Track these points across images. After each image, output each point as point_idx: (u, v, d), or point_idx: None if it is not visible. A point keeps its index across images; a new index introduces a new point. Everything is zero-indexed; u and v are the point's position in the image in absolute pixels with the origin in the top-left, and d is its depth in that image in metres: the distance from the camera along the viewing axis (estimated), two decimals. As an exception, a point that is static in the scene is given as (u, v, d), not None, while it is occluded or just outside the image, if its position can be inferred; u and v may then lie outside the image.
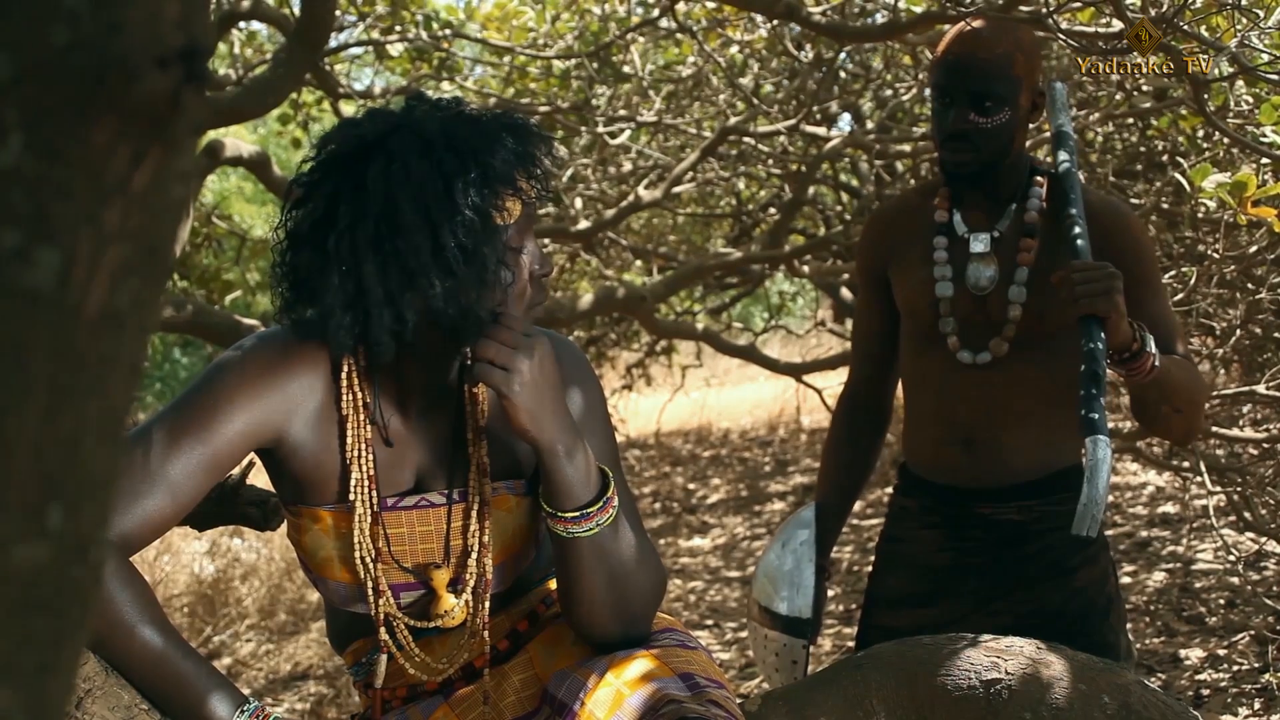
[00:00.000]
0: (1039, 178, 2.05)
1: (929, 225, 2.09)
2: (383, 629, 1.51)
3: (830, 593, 4.47)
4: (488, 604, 1.54)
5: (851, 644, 4.08)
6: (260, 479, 2.03)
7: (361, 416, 1.47)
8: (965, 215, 2.07)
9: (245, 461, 1.81)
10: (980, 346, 2.03)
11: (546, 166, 1.42)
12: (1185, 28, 2.16)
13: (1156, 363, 1.85)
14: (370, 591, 1.49)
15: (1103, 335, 1.79)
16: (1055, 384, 2.04)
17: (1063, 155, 2.04)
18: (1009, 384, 2.02)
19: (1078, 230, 1.92)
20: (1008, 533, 2.06)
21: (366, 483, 1.47)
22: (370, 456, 1.47)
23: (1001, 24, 1.99)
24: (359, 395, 1.47)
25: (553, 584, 1.64)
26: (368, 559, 1.48)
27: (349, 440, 1.47)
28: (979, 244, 2.03)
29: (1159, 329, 1.92)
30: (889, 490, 6.36)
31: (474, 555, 1.51)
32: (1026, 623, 1.97)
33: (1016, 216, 2.04)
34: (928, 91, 4.74)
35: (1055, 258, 1.99)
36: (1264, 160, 2.50)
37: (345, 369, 1.47)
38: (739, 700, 1.49)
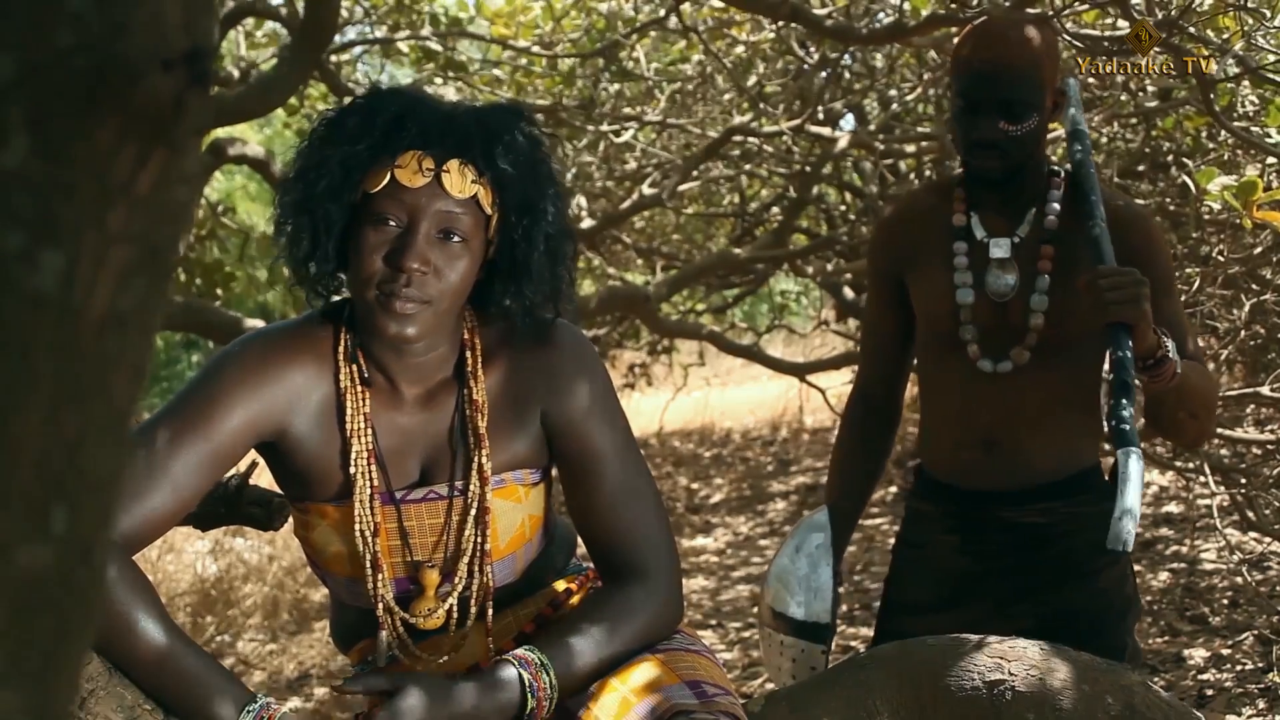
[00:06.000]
0: (1055, 178, 2.03)
1: (946, 229, 2.06)
2: (386, 619, 1.51)
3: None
4: (490, 608, 1.53)
5: (855, 645, 4.08)
6: (264, 479, 2.03)
7: (362, 411, 1.47)
8: (983, 219, 2.04)
9: (248, 462, 1.81)
10: (1001, 355, 2.00)
11: (424, 125, 1.42)
12: (1191, 30, 2.15)
13: (1178, 369, 1.83)
14: (371, 587, 1.49)
15: (1130, 343, 1.77)
16: (1076, 388, 2.02)
17: (1079, 154, 2.01)
18: (1030, 389, 2.00)
19: (1102, 236, 1.89)
20: (1030, 535, 2.04)
21: (368, 478, 1.47)
22: (369, 450, 1.47)
23: (1023, 26, 1.95)
24: (358, 388, 1.48)
25: (560, 585, 1.64)
26: (367, 555, 1.48)
27: (349, 434, 1.47)
28: (1000, 250, 2.00)
29: (1174, 332, 1.90)
30: (891, 489, 6.36)
31: (465, 559, 1.50)
32: (1047, 624, 1.95)
33: (1036, 221, 2.01)
34: (932, 92, 4.73)
35: (1076, 263, 1.96)
36: (1269, 160, 2.49)
37: (345, 369, 1.48)
38: (741, 701, 1.49)
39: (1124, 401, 1.75)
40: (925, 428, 2.16)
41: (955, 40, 2.81)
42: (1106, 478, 2.05)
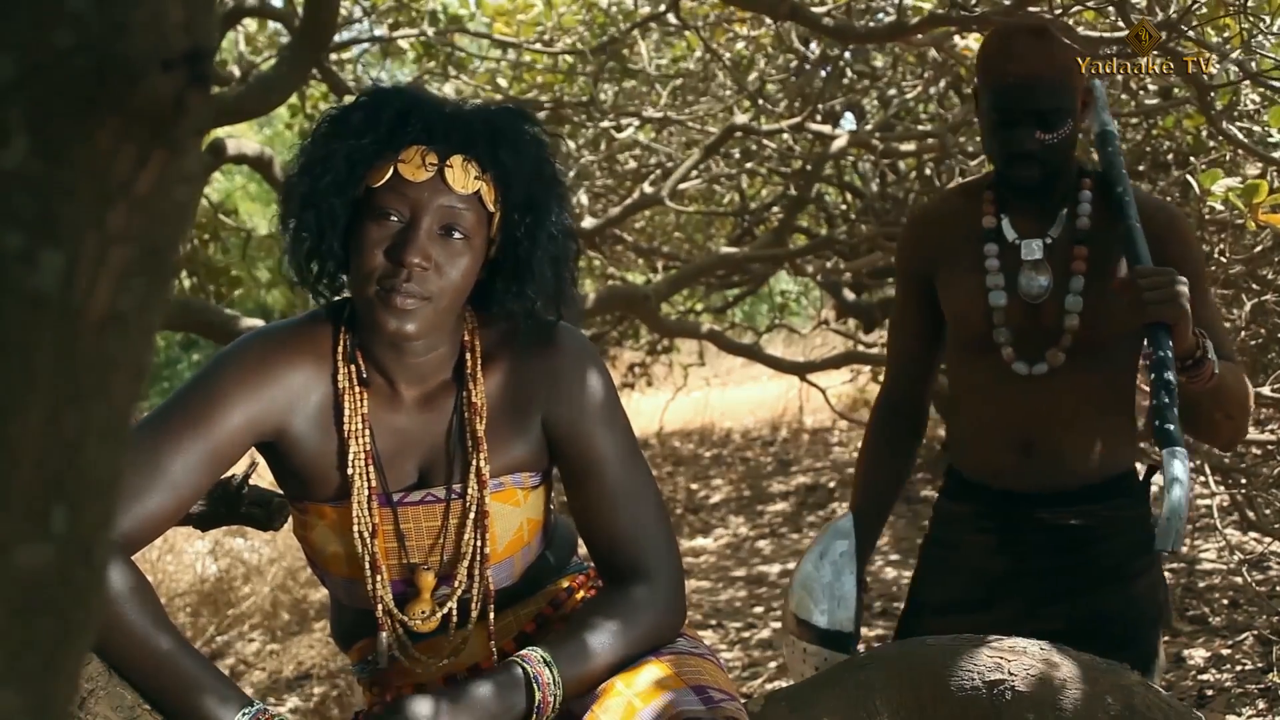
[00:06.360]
0: (1085, 179, 2.02)
1: (975, 230, 2.04)
2: (385, 620, 1.51)
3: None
4: (492, 610, 1.53)
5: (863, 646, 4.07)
6: (265, 480, 2.04)
7: (360, 412, 1.47)
8: (1014, 220, 2.02)
9: (248, 462, 1.82)
10: (1036, 357, 1.98)
11: (428, 121, 1.42)
12: (1190, 33, 2.15)
13: (1216, 369, 1.82)
14: (370, 588, 1.49)
15: (1170, 343, 1.76)
16: (1112, 389, 2.01)
17: (1110, 154, 2.00)
18: (1065, 391, 1.98)
19: (1136, 234, 1.88)
20: (1068, 537, 2.02)
21: (366, 480, 1.47)
22: (367, 451, 1.47)
23: (1047, 33, 1.94)
24: (356, 389, 1.48)
25: (564, 583, 1.64)
26: (366, 556, 1.48)
27: (346, 434, 1.47)
28: (1033, 251, 1.98)
29: (1209, 330, 1.88)
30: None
31: (464, 562, 1.50)
32: (1080, 628, 1.94)
33: (1068, 222, 2.00)
34: (933, 91, 4.71)
35: (1109, 263, 1.95)
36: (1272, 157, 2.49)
37: (343, 369, 1.48)
38: (742, 701, 1.49)
39: (1167, 401, 1.74)
40: (958, 430, 2.14)
41: (953, 37, 2.79)
42: (1141, 479, 2.05)
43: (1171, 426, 1.74)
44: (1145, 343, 1.83)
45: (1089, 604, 2.01)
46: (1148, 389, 1.82)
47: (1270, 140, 2.40)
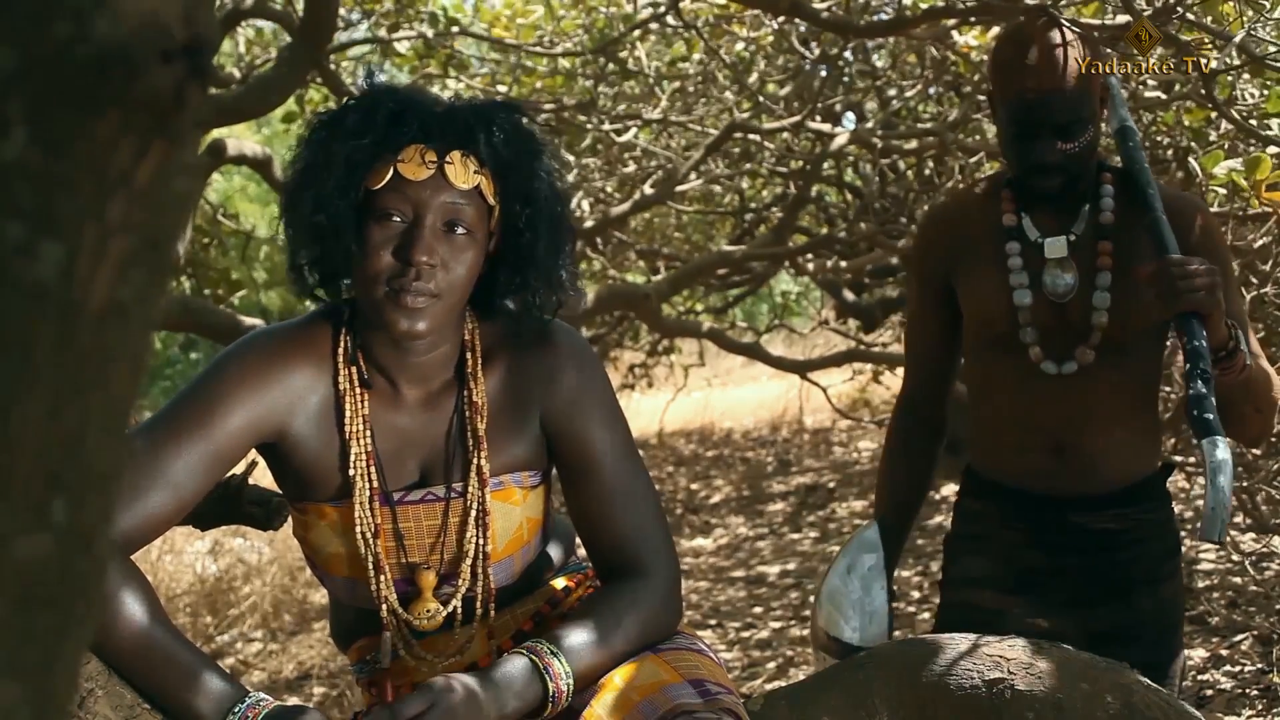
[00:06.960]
0: (1105, 174, 1.99)
1: (995, 229, 2.01)
2: (390, 620, 1.51)
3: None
4: (493, 607, 1.53)
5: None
6: (264, 479, 2.04)
7: (361, 413, 1.47)
8: (1035, 218, 1.99)
9: (248, 461, 1.82)
10: (1065, 356, 1.95)
11: (424, 120, 1.42)
12: (1191, 17, 2.14)
13: (1248, 361, 1.81)
14: (375, 588, 1.49)
15: (1204, 332, 1.74)
16: (1140, 387, 1.99)
17: (1130, 149, 1.97)
18: (1094, 390, 1.96)
19: (1163, 225, 1.86)
20: (1098, 541, 2.00)
21: (367, 480, 1.47)
22: (368, 451, 1.47)
23: (1062, 42, 1.90)
24: (357, 390, 1.48)
25: (559, 583, 1.64)
26: (369, 556, 1.48)
27: (348, 436, 1.47)
28: (1057, 249, 1.95)
29: (1237, 323, 1.85)
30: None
31: (466, 561, 1.50)
32: (1113, 630, 1.93)
33: (1091, 218, 1.97)
34: (932, 90, 4.69)
35: (1135, 258, 1.92)
36: (1271, 150, 2.48)
37: (344, 370, 1.48)
38: (741, 700, 1.49)
39: (1204, 390, 1.71)
40: (980, 429, 2.10)
41: (952, 33, 2.78)
42: (1163, 465, 2.05)
43: (1210, 415, 1.71)
44: (1176, 334, 1.80)
45: (1120, 608, 1.99)
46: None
47: (1269, 133, 2.39)
